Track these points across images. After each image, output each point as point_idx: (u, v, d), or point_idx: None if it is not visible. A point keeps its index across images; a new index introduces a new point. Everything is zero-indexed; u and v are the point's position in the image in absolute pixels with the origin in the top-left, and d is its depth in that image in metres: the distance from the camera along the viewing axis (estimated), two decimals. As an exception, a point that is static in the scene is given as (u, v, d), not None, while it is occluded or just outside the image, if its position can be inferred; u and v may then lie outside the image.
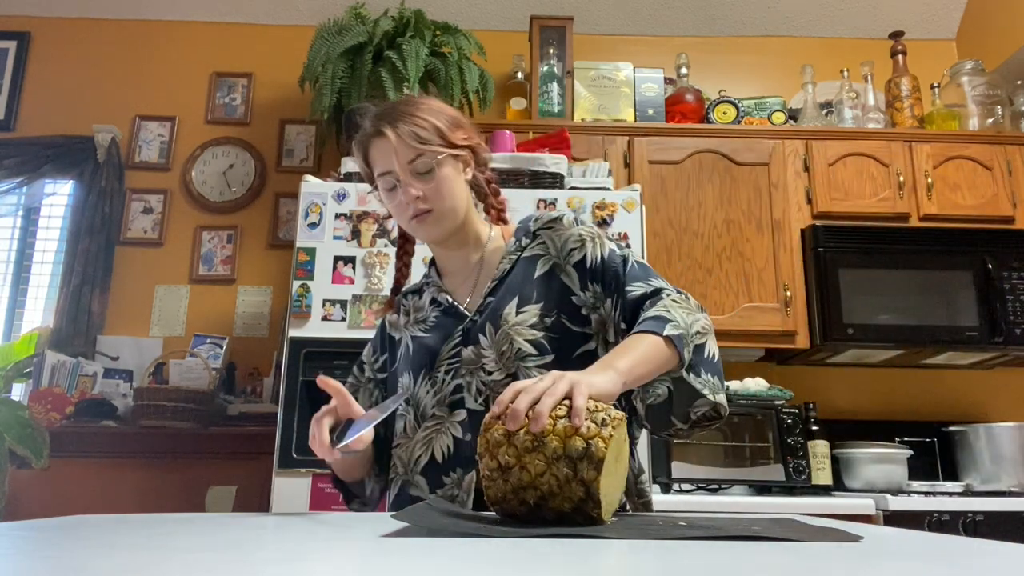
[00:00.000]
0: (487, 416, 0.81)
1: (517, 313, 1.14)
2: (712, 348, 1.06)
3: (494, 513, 0.82)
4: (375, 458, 1.21)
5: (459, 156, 1.18)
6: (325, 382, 1.02)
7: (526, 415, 0.78)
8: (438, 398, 1.15)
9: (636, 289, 1.11)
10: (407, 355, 1.22)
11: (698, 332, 1.05)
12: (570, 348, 1.15)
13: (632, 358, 0.95)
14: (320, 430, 0.99)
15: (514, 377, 1.10)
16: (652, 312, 1.05)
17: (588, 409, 0.79)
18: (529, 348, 1.12)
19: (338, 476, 1.21)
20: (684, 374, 1.02)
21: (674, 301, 1.07)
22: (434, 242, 1.23)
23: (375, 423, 1.01)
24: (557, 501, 0.76)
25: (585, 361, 1.11)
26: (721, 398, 1.04)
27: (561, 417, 0.78)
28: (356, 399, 1.23)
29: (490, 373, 1.12)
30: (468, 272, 1.24)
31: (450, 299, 1.21)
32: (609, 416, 0.79)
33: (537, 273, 1.18)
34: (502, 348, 1.12)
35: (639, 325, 1.03)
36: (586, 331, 1.15)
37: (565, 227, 1.21)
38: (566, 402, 0.79)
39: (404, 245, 1.32)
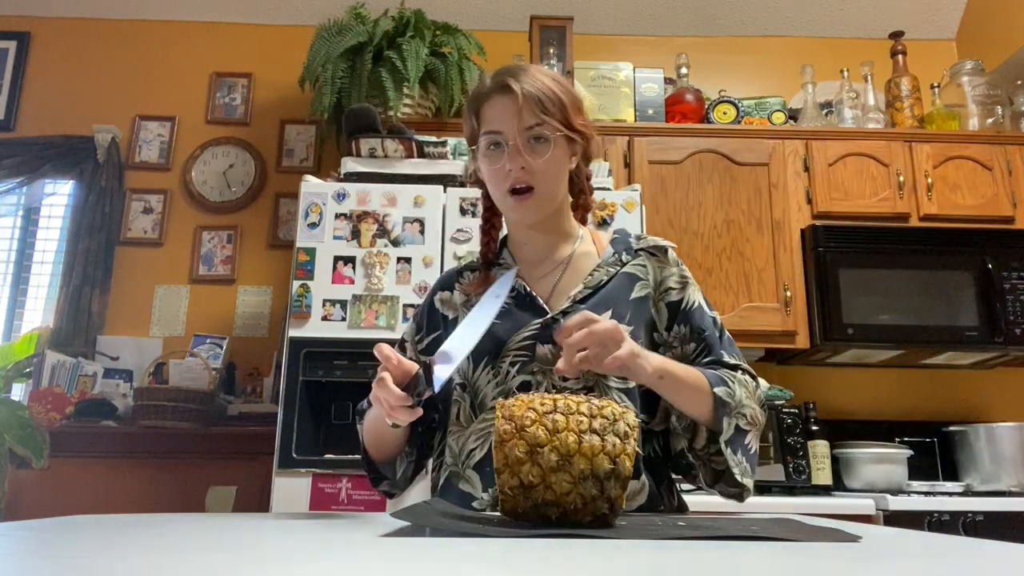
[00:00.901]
0: (500, 427, 0.77)
1: None
2: (752, 442, 1.08)
3: (495, 514, 0.82)
4: (409, 435, 1.14)
5: (574, 140, 1.12)
6: (380, 349, 0.95)
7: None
8: (501, 390, 1.09)
9: (725, 357, 1.13)
10: None
11: (744, 415, 1.06)
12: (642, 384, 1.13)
13: (679, 374, 1.01)
14: (387, 387, 0.91)
15: (589, 391, 1.07)
16: (722, 373, 1.07)
17: (608, 419, 0.76)
18: None
19: (369, 452, 1.15)
20: (722, 445, 1.03)
21: (746, 380, 1.10)
22: (528, 225, 1.16)
23: (459, 358, 0.93)
24: (580, 516, 0.74)
25: (649, 400, 1.13)
26: (748, 482, 1.06)
27: (584, 432, 0.74)
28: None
29: (565, 379, 1.07)
30: (550, 265, 1.18)
31: (528, 288, 1.15)
32: (629, 426, 0.77)
33: (633, 295, 1.15)
34: None
35: (706, 368, 1.08)
36: None
37: (669, 262, 1.19)
38: (587, 406, 0.77)
39: (491, 219, 1.23)
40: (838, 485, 2.52)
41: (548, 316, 1.11)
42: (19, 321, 3.08)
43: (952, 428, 2.68)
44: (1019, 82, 2.95)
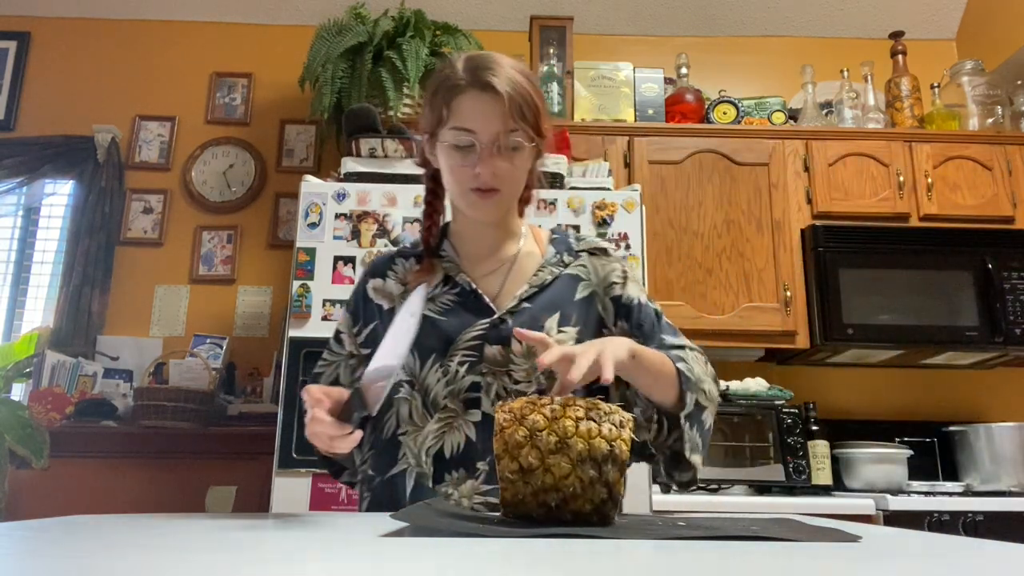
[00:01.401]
0: (501, 416, 0.80)
1: (558, 331, 1.11)
2: (708, 418, 1.10)
3: (495, 514, 0.82)
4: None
5: (539, 146, 1.11)
6: (307, 392, 0.94)
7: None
8: (451, 390, 1.09)
9: (668, 340, 1.15)
10: None
11: (704, 392, 1.08)
12: (593, 380, 1.14)
13: (648, 356, 1.00)
14: (323, 422, 0.90)
15: (541, 394, 1.07)
16: (678, 353, 1.10)
17: (603, 410, 0.78)
18: None
19: (325, 453, 1.12)
20: (682, 419, 1.04)
21: (697, 356, 1.13)
22: (483, 222, 1.16)
23: (394, 372, 0.90)
24: (579, 503, 0.75)
25: (594, 396, 1.12)
26: (697, 459, 1.07)
27: (582, 419, 0.77)
28: (337, 378, 1.19)
29: (517, 382, 1.09)
30: (495, 263, 1.18)
31: (474, 286, 1.15)
32: (623, 418, 0.79)
33: (578, 296, 1.16)
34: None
35: (665, 351, 1.08)
36: None
37: (610, 259, 1.21)
38: (581, 403, 0.79)
39: (434, 203, 1.20)
40: (838, 485, 2.52)
41: (495, 316, 1.11)
42: (19, 321, 3.08)
43: (952, 428, 2.68)
44: (1019, 82, 2.95)
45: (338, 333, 1.22)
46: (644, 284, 2.24)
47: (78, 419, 2.53)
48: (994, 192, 2.73)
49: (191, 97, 3.25)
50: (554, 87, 2.92)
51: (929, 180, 2.73)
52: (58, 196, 3.20)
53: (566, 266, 1.18)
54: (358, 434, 0.91)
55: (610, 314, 1.18)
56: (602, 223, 2.26)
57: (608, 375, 0.86)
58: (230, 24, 3.34)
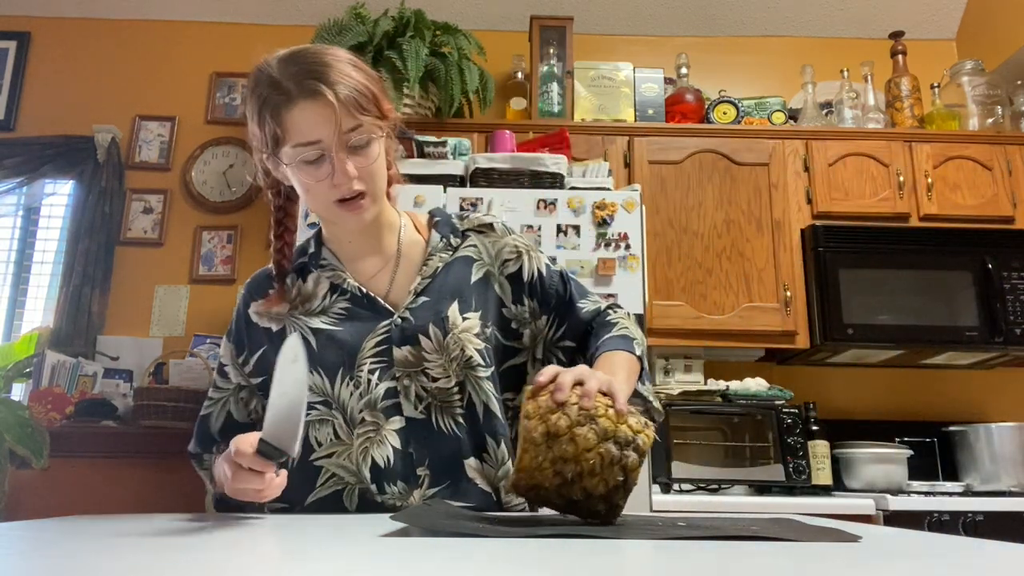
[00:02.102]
0: (534, 382, 0.81)
1: (462, 318, 1.07)
2: (644, 359, 1.11)
3: (490, 514, 0.82)
4: None
5: (386, 129, 1.04)
6: (240, 454, 0.86)
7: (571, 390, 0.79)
8: (366, 401, 1.03)
9: (584, 306, 1.15)
10: (308, 352, 1.04)
11: (642, 346, 1.11)
12: (500, 361, 1.12)
13: (623, 376, 0.99)
14: (256, 477, 0.85)
15: (462, 387, 1.05)
16: (615, 331, 1.09)
17: (629, 408, 0.80)
18: (478, 357, 1.06)
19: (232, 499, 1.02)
20: (641, 386, 1.06)
21: (623, 316, 1.14)
22: (359, 229, 1.08)
23: (299, 407, 0.83)
24: (594, 480, 0.75)
25: (511, 377, 1.13)
26: (658, 404, 1.09)
27: (611, 406, 0.79)
28: (229, 414, 1.12)
29: (435, 379, 1.04)
30: (380, 260, 1.12)
31: (364, 289, 1.09)
32: (643, 422, 0.80)
33: (473, 278, 1.11)
34: (452, 354, 1.05)
35: (606, 342, 1.07)
36: (515, 345, 1.14)
37: (499, 234, 1.16)
38: (604, 397, 0.80)
39: (284, 220, 1.12)
40: (838, 485, 2.52)
41: (395, 316, 1.06)
42: (19, 321, 3.08)
43: (952, 428, 2.68)
44: (1019, 82, 2.95)
45: (222, 366, 1.14)
46: (644, 284, 2.24)
47: (78, 419, 2.53)
48: (994, 192, 2.73)
49: (191, 97, 3.25)
50: (554, 87, 2.92)
51: (929, 180, 2.73)
52: (58, 196, 3.20)
53: (455, 249, 1.13)
54: (283, 476, 0.88)
55: (508, 293, 1.13)
56: (602, 223, 2.26)
57: (622, 403, 0.83)
58: (230, 24, 3.33)
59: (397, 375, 1.04)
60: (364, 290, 1.09)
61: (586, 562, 0.50)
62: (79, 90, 3.24)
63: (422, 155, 2.38)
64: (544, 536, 0.65)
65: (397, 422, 1.03)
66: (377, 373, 1.04)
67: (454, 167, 2.38)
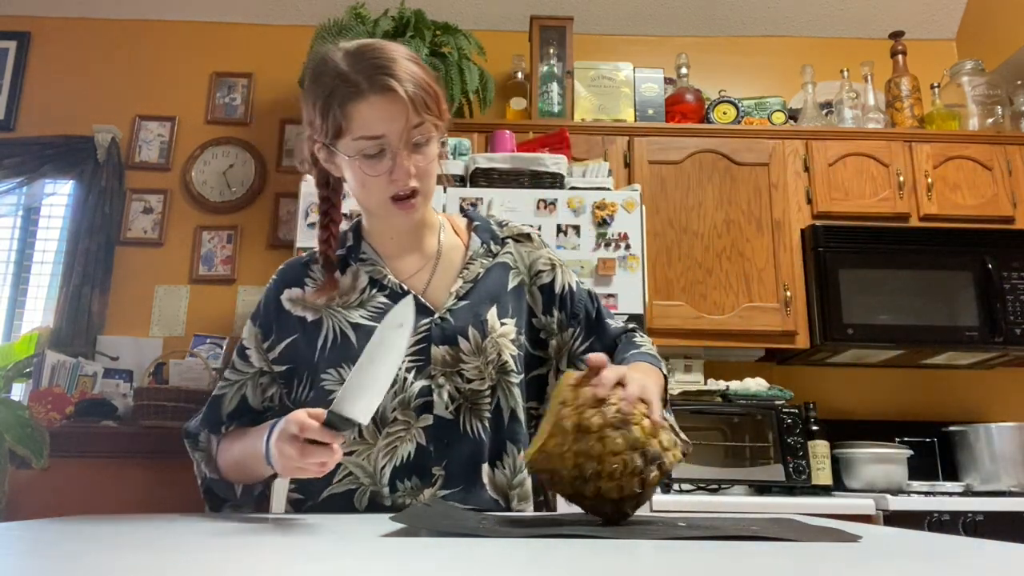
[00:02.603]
0: (576, 375, 0.80)
1: (500, 323, 1.08)
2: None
3: (490, 515, 0.82)
4: None
5: (442, 129, 1.05)
6: (301, 424, 0.83)
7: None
8: (400, 399, 1.03)
9: (612, 323, 1.18)
10: (342, 344, 1.05)
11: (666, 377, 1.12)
12: (526, 370, 1.13)
13: (657, 390, 0.97)
14: (327, 450, 0.83)
15: (493, 390, 1.06)
16: (643, 350, 1.11)
17: (663, 425, 0.79)
18: (512, 363, 1.08)
19: (225, 478, 1.07)
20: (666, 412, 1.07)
21: (648, 341, 1.17)
22: (407, 227, 1.10)
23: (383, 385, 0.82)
24: (610, 484, 0.75)
25: (533, 387, 1.14)
26: (683, 436, 1.12)
27: (646, 415, 0.78)
28: (244, 398, 1.11)
29: (470, 381, 1.05)
30: (420, 259, 1.12)
31: (405, 287, 1.09)
32: (675, 441, 0.80)
33: (511, 286, 1.13)
34: (489, 357, 1.05)
35: (636, 355, 1.09)
36: (541, 355, 1.16)
37: (535, 245, 1.18)
38: (642, 404, 0.79)
39: (329, 211, 1.11)
40: (838, 485, 2.52)
41: (436, 316, 1.06)
42: (19, 321, 3.08)
43: (952, 428, 2.68)
44: (1019, 82, 2.95)
45: (243, 349, 1.12)
46: (644, 284, 2.24)
47: (78, 419, 2.53)
48: (994, 192, 2.73)
49: (191, 97, 3.25)
50: (554, 87, 2.92)
51: (929, 180, 2.73)
52: (58, 196, 3.20)
53: (495, 256, 1.15)
54: (340, 452, 0.85)
55: (538, 304, 1.15)
56: (602, 223, 2.26)
57: (657, 414, 0.82)
58: (230, 24, 3.33)
59: (433, 374, 1.04)
60: (406, 287, 1.09)
61: (586, 562, 0.50)
62: (79, 90, 3.24)
63: (422, 155, 2.38)
64: (544, 536, 0.65)
65: (426, 419, 1.03)
66: (413, 372, 1.04)
67: (454, 167, 2.38)
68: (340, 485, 1.04)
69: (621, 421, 0.75)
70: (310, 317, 1.09)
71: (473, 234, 1.16)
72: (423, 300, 1.08)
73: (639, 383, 0.81)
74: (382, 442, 1.03)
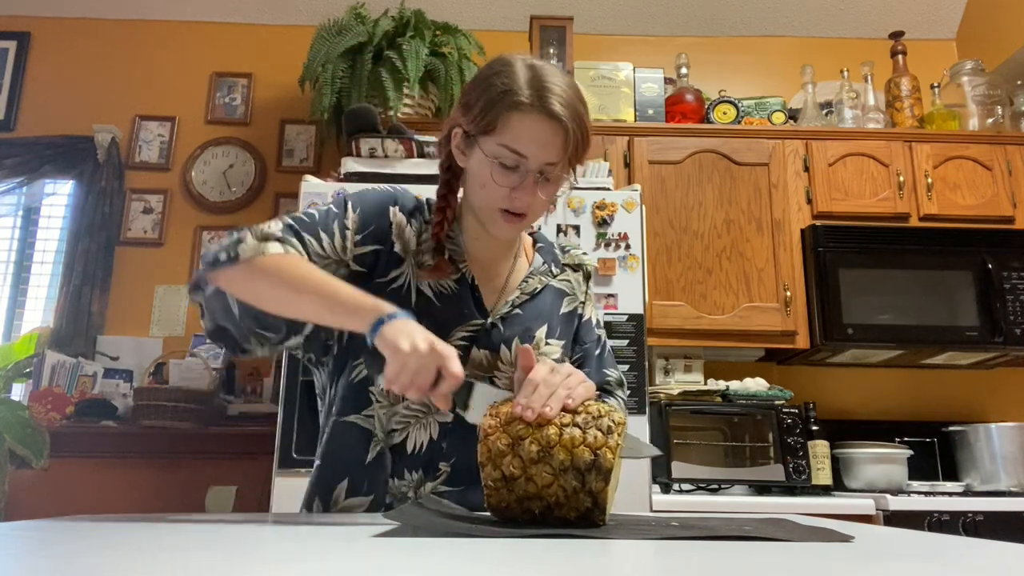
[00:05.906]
0: (486, 423, 0.80)
1: (546, 342, 1.13)
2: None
3: (482, 514, 0.82)
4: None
5: (573, 175, 1.08)
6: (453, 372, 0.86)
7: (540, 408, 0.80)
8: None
9: (606, 372, 1.22)
10: (404, 296, 1.07)
11: None
12: None
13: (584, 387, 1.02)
14: (437, 393, 0.87)
15: None
16: (612, 399, 1.21)
17: (592, 415, 0.79)
18: None
19: (246, 304, 0.98)
20: None
21: (623, 400, 1.23)
22: (501, 239, 1.13)
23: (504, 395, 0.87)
24: (563, 511, 0.75)
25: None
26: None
27: (566, 426, 0.76)
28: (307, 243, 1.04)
29: (499, 388, 1.07)
30: (497, 269, 1.16)
31: (476, 281, 1.12)
32: (613, 422, 0.78)
33: (563, 310, 1.19)
34: None
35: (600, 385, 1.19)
36: None
37: (587, 278, 1.26)
38: (570, 408, 0.80)
39: (447, 196, 1.12)
40: (838, 485, 2.52)
41: (487, 321, 1.10)
42: (19, 321, 3.08)
43: (952, 428, 2.68)
44: (1019, 82, 2.95)
45: (341, 220, 1.07)
46: (644, 284, 2.24)
47: (78, 419, 2.54)
48: (994, 192, 2.73)
49: (191, 97, 3.25)
50: (554, 87, 2.92)
51: (929, 180, 2.73)
52: (58, 196, 3.20)
53: (553, 277, 1.20)
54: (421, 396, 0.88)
55: (576, 333, 1.22)
56: (602, 223, 2.26)
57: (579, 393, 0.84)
58: (230, 24, 3.34)
59: (466, 373, 1.05)
60: (476, 281, 1.12)
61: (580, 562, 0.50)
62: (79, 90, 3.24)
63: (422, 155, 2.38)
64: (538, 536, 0.65)
65: (447, 416, 1.05)
66: None
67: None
68: (361, 419, 1.07)
69: (539, 453, 0.74)
70: (399, 249, 1.09)
71: (537, 253, 1.21)
72: (483, 300, 1.11)
73: (544, 379, 0.83)
74: (401, 409, 1.06)
